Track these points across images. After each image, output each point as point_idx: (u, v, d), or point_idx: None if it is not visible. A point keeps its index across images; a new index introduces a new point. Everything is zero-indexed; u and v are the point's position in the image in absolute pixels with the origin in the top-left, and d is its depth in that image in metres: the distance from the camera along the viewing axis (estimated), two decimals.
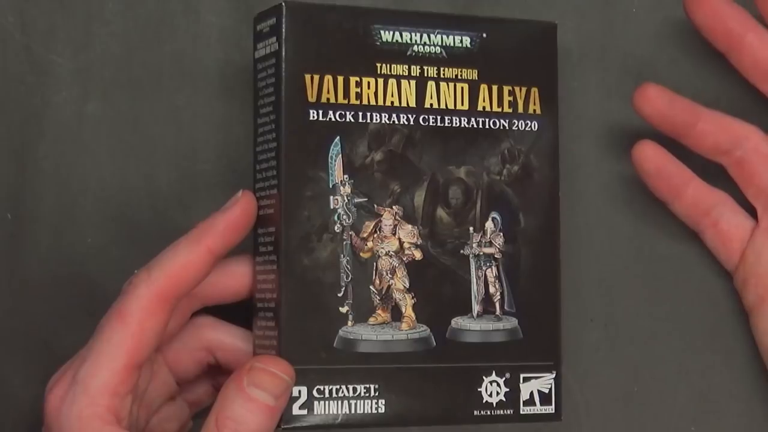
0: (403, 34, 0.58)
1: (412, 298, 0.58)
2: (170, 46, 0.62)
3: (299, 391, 0.56)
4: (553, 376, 0.60)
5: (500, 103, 0.60)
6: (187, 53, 0.62)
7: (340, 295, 0.57)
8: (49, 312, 0.61)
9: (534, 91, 0.60)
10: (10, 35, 0.61)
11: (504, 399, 0.59)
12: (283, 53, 0.56)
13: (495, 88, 0.60)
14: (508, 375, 0.59)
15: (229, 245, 0.56)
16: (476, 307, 0.59)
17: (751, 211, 0.64)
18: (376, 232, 0.58)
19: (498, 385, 0.59)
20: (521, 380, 0.60)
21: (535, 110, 0.61)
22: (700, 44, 0.65)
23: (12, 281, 0.61)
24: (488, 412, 0.59)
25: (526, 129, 0.60)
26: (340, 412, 0.56)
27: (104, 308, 0.55)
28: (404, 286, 0.58)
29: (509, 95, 0.60)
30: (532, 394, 0.60)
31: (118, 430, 0.53)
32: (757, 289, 0.63)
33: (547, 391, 0.60)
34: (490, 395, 0.59)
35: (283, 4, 0.56)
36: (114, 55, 0.61)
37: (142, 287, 0.54)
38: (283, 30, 0.56)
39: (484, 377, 0.59)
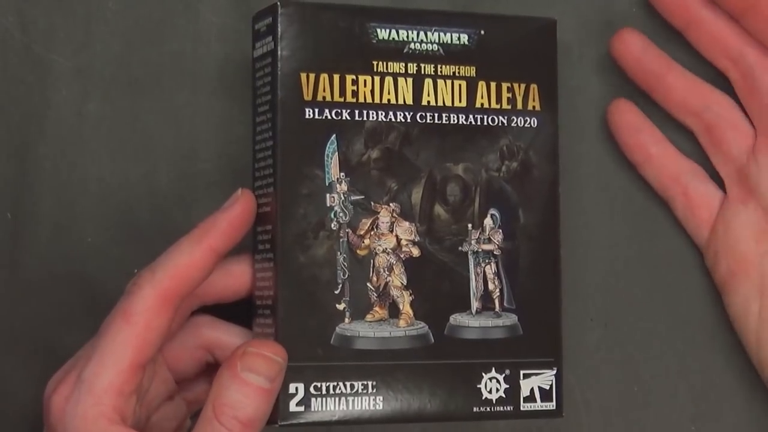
0: (400, 31, 0.58)
1: (410, 294, 0.58)
2: (170, 45, 0.62)
3: (296, 388, 0.56)
4: (554, 372, 0.60)
5: (498, 100, 0.60)
6: (187, 53, 0.62)
7: (336, 292, 0.57)
8: (49, 311, 0.61)
9: (533, 87, 0.60)
10: (10, 35, 0.61)
11: (504, 395, 0.59)
12: (279, 52, 0.57)
13: (493, 84, 0.60)
14: (507, 371, 0.59)
15: (230, 243, 0.56)
16: (475, 304, 0.59)
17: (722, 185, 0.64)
18: (373, 229, 0.58)
19: (497, 381, 0.59)
20: (521, 377, 0.59)
21: (534, 106, 0.60)
22: None
23: (12, 281, 0.61)
24: (488, 409, 0.59)
25: (526, 125, 0.60)
26: (337, 408, 0.57)
27: (104, 307, 0.55)
28: (402, 283, 0.58)
29: (508, 92, 0.60)
30: (532, 390, 0.60)
31: (124, 429, 0.53)
32: (727, 261, 0.62)
33: (547, 387, 0.60)
34: (490, 392, 0.59)
35: (279, 3, 0.56)
36: (114, 55, 0.62)
37: (147, 287, 0.54)
38: (278, 29, 0.57)
39: (483, 374, 0.59)
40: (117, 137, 0.62)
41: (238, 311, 0.59)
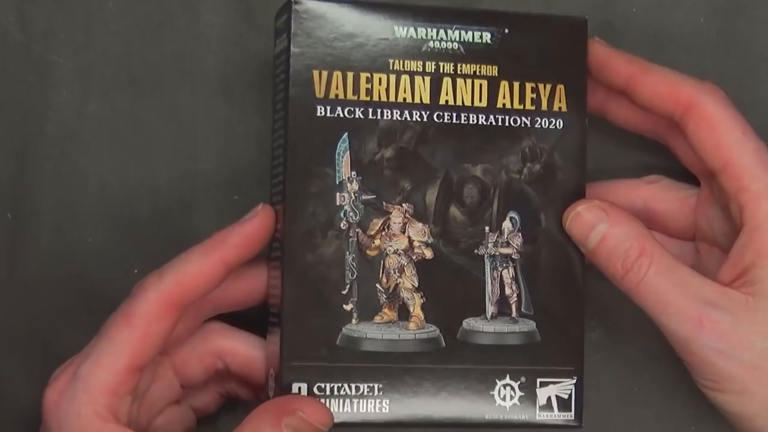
0: (419, 29, 0.57)
1: (421, 297, 0.57)
2: (170, 46, 0.62)
3: (299, 388, 0.55)
4: (574, 381, 0.58)
5: (522, 101, 0.58)
6: (187, 53, 0.62)
7: (344, 292, 0.56)
8: (49, 311, 0.61)
9: (560, 88, 0.59)
10: (10, 35, 0.62)
11: (518, 403, 0.58)
12: (291, 49, 0.56)
13: (516, 84, 0.58)
14: (523, 379, 0.58)
15: (244, 258, 0.56)
16: (490, 309, 0.58)
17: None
18: (384, 229, 0.57)
19: (512, 389, 0.58)
20: (538, 385, 0.58)
21: (560, 107, 0.59)
22: (700, 44, 0.64)
23: (12, 281, 0.61)
24: (501, 417, 0.57)
25: (551, 127, 0.59)
26: (341, 410, 0.56)
27: (104, 307, 0.56)
28: (413, 285, 0.57)
29: (532, 92, 0.58)
30: (549, 399, 0.58)
31: (118, 427, 0.53)
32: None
33: (566, 397, 0.58)
34: (504, 399, 0.57)
35: (293, 1, 0.56)
36: (114, 55, 0.62)
37: (152, 291, 0.54)
38: (292, 26, 0.56)
39: (497, 380, 0.57)
40: (117, 138, 0.62)
41: (251, 320, 0.59)
